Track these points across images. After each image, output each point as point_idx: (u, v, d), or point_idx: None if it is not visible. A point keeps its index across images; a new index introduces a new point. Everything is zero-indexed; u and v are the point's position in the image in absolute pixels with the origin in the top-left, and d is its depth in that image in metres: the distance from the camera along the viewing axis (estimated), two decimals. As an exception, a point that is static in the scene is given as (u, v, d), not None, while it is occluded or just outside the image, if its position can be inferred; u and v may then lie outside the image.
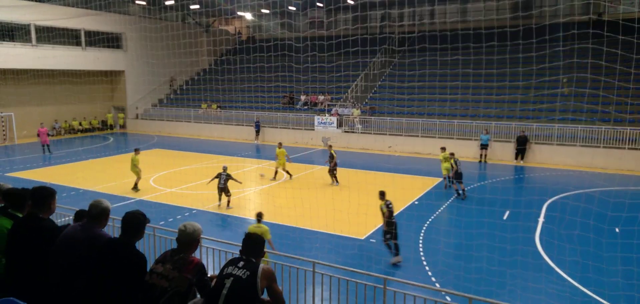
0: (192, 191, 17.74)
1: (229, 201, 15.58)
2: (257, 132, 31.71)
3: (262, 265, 4.17)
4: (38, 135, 27.85)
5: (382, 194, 11.19)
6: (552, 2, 29.87)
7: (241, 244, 4.30)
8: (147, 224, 4.37)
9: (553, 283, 9.67)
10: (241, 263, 4.13)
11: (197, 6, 37.94)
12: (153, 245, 8.35)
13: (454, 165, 16.78)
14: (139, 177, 17.67)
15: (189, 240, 4.11)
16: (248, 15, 42.52)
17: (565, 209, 14.51)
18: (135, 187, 17.51)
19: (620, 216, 12.98)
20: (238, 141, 30.49)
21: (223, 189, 15.42)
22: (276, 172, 20.12)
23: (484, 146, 24.31)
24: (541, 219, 13.92)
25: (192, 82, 42.44)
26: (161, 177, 20.06)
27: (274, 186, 19.02)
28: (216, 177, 15.70)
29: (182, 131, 35.60)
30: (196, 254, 4.59)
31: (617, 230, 12.60)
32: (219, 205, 15.64)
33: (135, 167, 17.54)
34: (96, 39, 34.66)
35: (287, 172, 20.13)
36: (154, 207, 15.04)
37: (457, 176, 16.67)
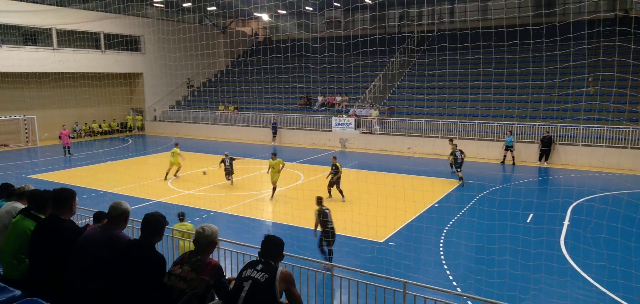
0: (210, 193, 17.79)
1: (232, 180, 18.91)
2: (274, 133, 31.73)
3: (280, 268, 4.11)
4: (60, 137, 28.37)
5: (319, 200, 11.13)
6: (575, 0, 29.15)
7: (260, 247, 4.22)
8: (166, 226, 4.34)
9: (579, 288, 9.35)
10: (260, 266, 4.08)
11: (214, 8, 38.21)
12: (172, 247, 8.33)
13: (456, 154, 19.23)
14: (179, 167, 20.36)
15: (206, 242, 4.09)
16: (265, 16, 42.64)
17: (591, 212, 14.06)
18: (172, 175, 20.26)
19: (649, 219, 12.52)
20: (255, 143, 30.56)
21: (230, 172, 18.81)
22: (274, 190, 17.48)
23: (508, 148, 23.80)
24: (566, 222, 13.53)
25: (209, 84, 42.75)
26: (179, 179, 20.19)
27: (291, 187, 18.94)
28: (222, 162, 19.00)
29: (200, 133, 35.85)
30: (214, 257, 4.51)
31: (646, 234, 12.14)
32: (232, 183, 18.95)
33: (176, 157, 19.99)
34: (115, 42, 35.18)
35: (274, 188, 17.33)
36: (171, 209, 15.11)
37: (457, 164, 19.12)
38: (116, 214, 4.40)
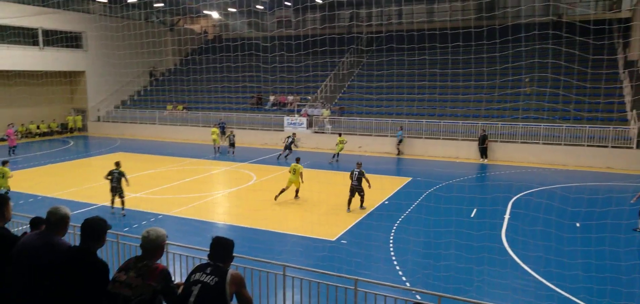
0: (158, 196, 17.28)
1: (123, 203, 14.34)
2: (222, 133, 31.21)
3: (230, 270, 4.10)
4: (7, 137, 26.63)
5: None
6: (514, 4, 30.80)
7: (209, 249, 4.19)
8: (110, 231, 4.21)
9: (518, 278, 9.90)
10: (209, 269, 4.05)
11: (162, 4, 37.07)
12: (117, 253, 8.04)
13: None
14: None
15: (153, 246, 3.99)
16: (214, 14, 41.88)
17: (529, 206, 14.93)
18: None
19: (579, 211, 13.46)
20: (206, 143, 29.94)
21: (116, 190, 14.13)
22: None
23: (400, 142, 26.10)
24: (507, 216, 14.26)
25: (157, 83, 41.47)
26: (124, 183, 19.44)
27: (243, 188, 18.76)
28: (109, 175, 14.21)
29: (147, 134, 34.68)
30: (162, 261, 4.42)
31: (577, 225, 13.05)
32: (112, 210, 14.35)
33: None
34: (55, 39, 33.31)
35: None
36: (117, 213, 14.56)
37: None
38: (55, 220, 4.22)
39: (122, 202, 14.41)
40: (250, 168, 22.54)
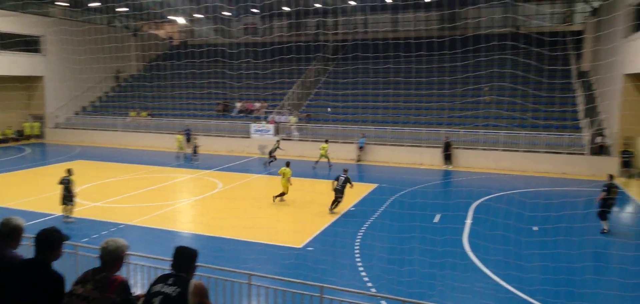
0: (119, 204, 16.81)
1: (71, 210, 14.28)
2: (188, 140, 30.70)
3: (193, 281, 4.05)
4: None
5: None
6: (475, 15, 31.82)
7: (171, 259, 4.13)
8: (68, 242, 4.08)
9: (479, 281, 10.20)
10: (171, 280, 3.99)
11: (126, 9, 36.19)
12: (75, 265, 7.78)
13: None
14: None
15: (111, 258, 3.90)
16: (180, 20, 41.27)
17: (489, 211, 15.42)
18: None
19: (536, 216, 14.00)
20: (170, 150, 29.37)
21: (65, 198, 14.17)
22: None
23: (361, 148, 26.48)
24: (468, 221, 14.66)
25: (120, 89, 40.39)
26: (84, 191, 18.77)
27: (208, 196, 18.51)
28: (62, 182, 14.28)
29: (108, 141, 33.67)
30: (122, 273, 4.33)
31: (534, 228, 13.56)
32: (65, 219, 14.18)
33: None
34: (11, 42, 31.91)
35: None
36: (76, 223, 14.08)
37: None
38: (7, 231, 4.09)
39: (69, 210, 14.30)
40: (216, 175, 22.27)
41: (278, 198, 16.78)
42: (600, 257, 12.36)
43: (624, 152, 22.09)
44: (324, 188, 18.86)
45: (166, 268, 5.26)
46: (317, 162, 24.58)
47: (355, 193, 18.36)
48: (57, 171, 23.21)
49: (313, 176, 22.14)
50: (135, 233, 13.50)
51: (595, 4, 28.46)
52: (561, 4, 32.15)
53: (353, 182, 16.12)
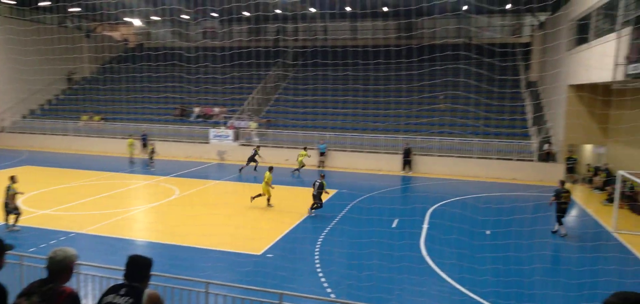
0: (69, 212, 16.10)
1: (16, 219, 13.61)
2: (144, 145, 29.85)
3: (147, 290, 3.94)
4: None
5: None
6: (430, 26, 32.79)
7: (124, 269, 4.01)
8: (11, 251, 3.88)
9: (435, 285, 10.47)
10: (123, 290, 3.88)
11: (78, 9, 34.79)
12: (20, 276, 7.39)
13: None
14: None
15: (59, 268, 3.75)
16: (136, 22, 40.13)
17: (445, 216, 15.87)
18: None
19: (488, 220, 14.54)
20: (125, 155, 28.41)
21: (7, 205, 13.45)
22: None
23: (322, 154, 26.65)
24: (425, 226, 15.02)
25: (71, 92, 38.74)
26: (32, 198, 17.86)
27: (164, 203, 18.04)
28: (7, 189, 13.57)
29: (58, 146, 32.19)
30: (72, 284, 4.16)
31: (487, 232, 14.08)
32: (8, 228, 13.46)
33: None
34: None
35: None
36: (23, 232, 13.36)
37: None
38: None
39: (14, 218, 13.64)
40: (173, 182, 21.74)
41: (256, 198, 17.13)
42: (548, 259, 12.98)
43: (569, 159, 23.38)
44: (286, 194, 18.84)
45: (119, 277, 5.11)
46: (297, 169, 24.45)
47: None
48: (0, 177, 21.97)
49: (273, 183, 22.02)
50: (86, 242, 12.96)
51: (542, 18, 30.01)
52: (511, 17, 33.66)
53: (310, 188, 16.28)
